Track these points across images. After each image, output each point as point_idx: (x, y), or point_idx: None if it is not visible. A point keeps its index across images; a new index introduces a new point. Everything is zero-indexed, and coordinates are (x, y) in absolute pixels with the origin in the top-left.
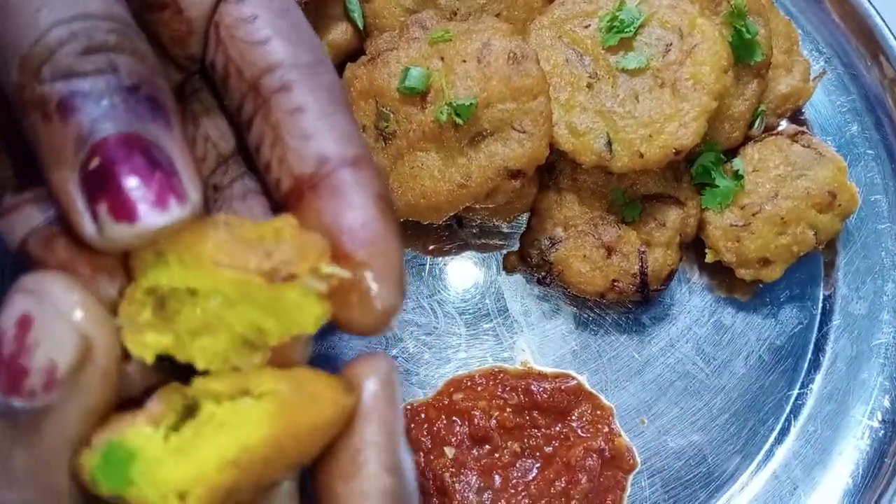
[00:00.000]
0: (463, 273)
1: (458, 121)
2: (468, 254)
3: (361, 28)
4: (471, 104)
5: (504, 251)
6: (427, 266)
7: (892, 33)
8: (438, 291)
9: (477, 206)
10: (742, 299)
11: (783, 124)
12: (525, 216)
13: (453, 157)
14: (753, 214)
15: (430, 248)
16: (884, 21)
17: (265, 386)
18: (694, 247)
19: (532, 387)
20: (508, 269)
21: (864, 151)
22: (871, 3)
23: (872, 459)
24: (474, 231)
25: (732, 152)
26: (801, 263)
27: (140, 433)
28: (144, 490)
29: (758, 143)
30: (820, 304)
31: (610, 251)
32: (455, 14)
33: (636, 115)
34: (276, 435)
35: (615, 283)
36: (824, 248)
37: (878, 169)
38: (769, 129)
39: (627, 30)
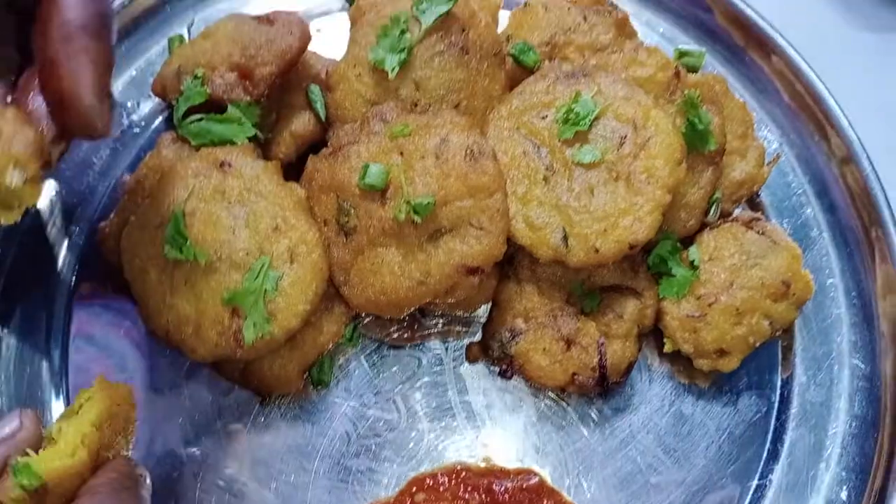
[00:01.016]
0: (426, 365)
1: (417, 219)
2: (432, 343)
3: (323, 118)
4: (428, 203)
5: (467, 339)
6: (390, 358)
7: (843, 112)
8: (401, 384)
9: (437, 301)
10: (702, 386)
11: (739, 209)
12: (487, 306)
13: (413, 252)
14: (709, 305)
15: (394, 337)
16: (835, 100)
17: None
18: (654, 333)
19: (494, 486)
20: (471, 359)
21: (818, 234)
22: (821, 82)
23: None
24: (437, 320)
25: (689, 239)
26: (759, 351)
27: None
28: None
29: (714, 231)
30: (778, 392)
31: (569, 344)
32: (416, 105)
33: (591, 210)
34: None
35: (575, 377)
36: (782, 334)
37: (832, 252)
38: (725, 215)
39: (583, 123)
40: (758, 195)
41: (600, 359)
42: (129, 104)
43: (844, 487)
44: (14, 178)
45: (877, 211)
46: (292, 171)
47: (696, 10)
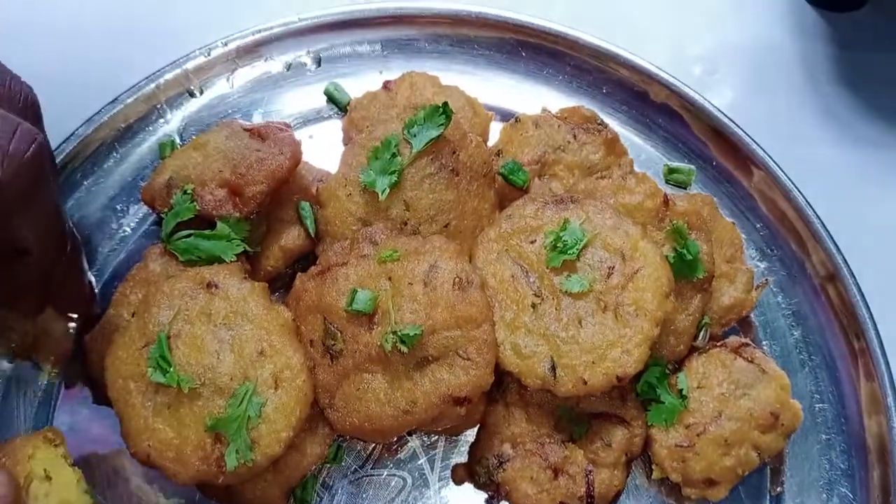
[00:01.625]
0: (410, 484)
1: (403, 348)
2: (415, 462)
3: (313, 234)
4: (416, 334)
5: (454, 457)
6: (374, 476)
7: (826, 230)
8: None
9: (423, 428)
10: None
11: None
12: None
13: (399, 380)
14: (698, 435)
15: (376, 456)
16: (816, 215)
17: None
18: (643, 456)
19: None
20: (457, 481)
21: (807, 358)
22: (802, 196)
23: None
24: (422, 436)
25: (678, 364)
26: (748, 476)
27: None
28: None
29: (702, 356)
30: None
31: (557, 472)
32: (405, 224)
33: (580, 341)
34: None
35: None
36: (771, 460)
37: (821, 376)
38: (714, 339)
39: (571, 252)
40: (746, 317)
41: (588, 488)
42: (118, 207)
43: None
44: None
45: (860, 325)
46: (280, 281)
47: (681, 129)
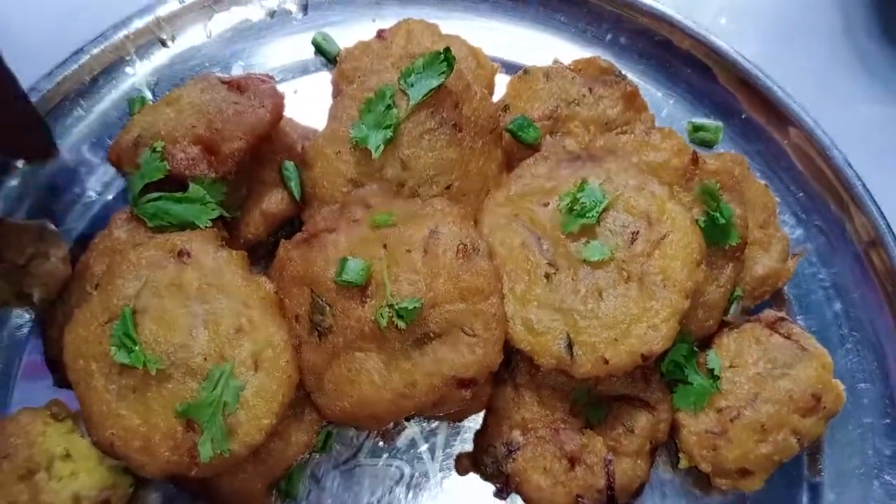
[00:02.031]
0: (408, 474)
1: (401, 324)
2: (417, 450)
3: (298, 198)
4: (414, 308)
5: (457, 444)
6: (369, 466)
7: (868, 191)
8: (382, 497)
9: (423, 412)
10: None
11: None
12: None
13: (396, 360)
14: (731, 420)
15: (370, 443)
16: (858, 177)
17: None
18: (667, 444)
19: None
20: (461, 472)
21: (847, 333)
22: (842, 156)
23: None
24: (421, 420)
25: (706, 341)
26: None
27: None
28: None
29: (734, 332)
30: None
31: (573, 462)
32: (402, 186)
33: (600, 315)
34: None
35: (579, 500)
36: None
37: (863, 353)
38: (745, 312)
39: (590, 215)
40: (781, 288)
41: (608, 480)
42: (81, 169)
43: None
44: None
45: None
46: (262, 249)
47: (707, 80)
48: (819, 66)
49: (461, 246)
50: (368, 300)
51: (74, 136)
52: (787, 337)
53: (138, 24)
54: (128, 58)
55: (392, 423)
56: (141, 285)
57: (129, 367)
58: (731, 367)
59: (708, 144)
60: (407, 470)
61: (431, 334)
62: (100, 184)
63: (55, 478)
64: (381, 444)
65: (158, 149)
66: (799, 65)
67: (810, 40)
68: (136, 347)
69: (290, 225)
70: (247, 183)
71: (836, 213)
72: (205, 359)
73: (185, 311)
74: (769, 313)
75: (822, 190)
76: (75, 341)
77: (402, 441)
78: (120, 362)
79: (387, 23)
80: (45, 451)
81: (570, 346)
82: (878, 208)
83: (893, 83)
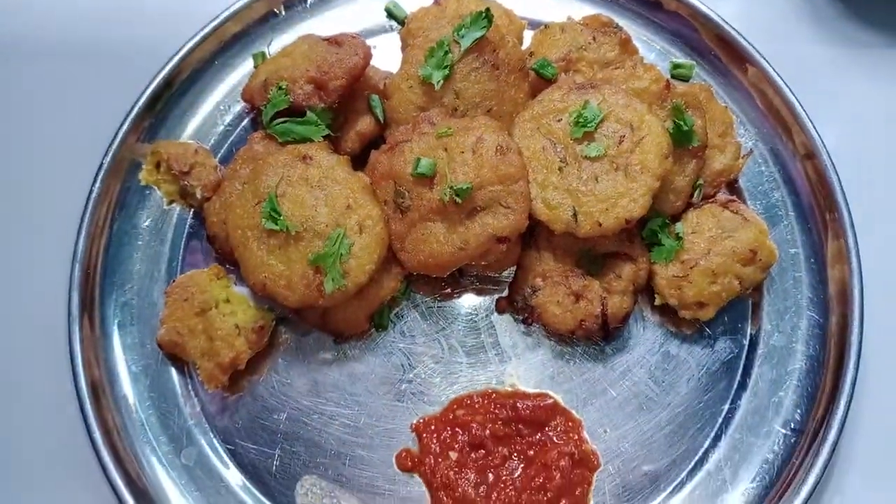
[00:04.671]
0: (464, 313)
1: (458, 200)
2: (468, 297)
3: (382, 121)
4: (467, 188)
5: (496, 295)
6: (435, 308)
7: (807, 115)
8: (444, 328)
9: (473, 264)
10: (687, 333)
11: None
12: (512, 269)
13: (455, 226)
14: (691, 268)
15: (438, 293)
16: (801, 105)
17: None
18: (647, 289)
19: (517, 404)
20: (500, 310)
21: (785, 213)
22: (789, 89)
23: (785, 459)
24: (473, 280)
25: (676, 217)
26: (734, 305)
27: None
28: None
29: (696, 210)
30: (748, 338)
31: (578, 298)
32: (456, 110)
33: (596, 193)
34: None
35: (582, 323)
36: (753, 292)
37: (796, 228)
38: (707, 198)
39: (590, 125)
40: (736, 182)
41: (602, 309)
42: (221, 108)
43: (798, 411)
44: None
45: (832, 199)
46: (357, 161)
47: (687, 31)
48: (776, 17)
49: (499, 146)
50: (435, 186)
51: (215, 86)
52: (735, 212)
53: (261, 7)
54: (249, 27)
55: (451, 276)
56: (279, 179)
57: (274, 232)
58: (692, 233)
59: (684, 78)
60: (462, 310)
61: (478, 207)
62: (233, 120)
63: (221, 314)
64: (447, 291)
65: (283, 87)
66: (760, 15)
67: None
68: (280, 218)
69: (375, 144)
70: (344, 112)
71: (781, 131)
72: (326, 226)
73: (311, 195)
74: (723, 196)
75: (771, 113)
76: (234, 218)
77: (458, 293)
78: (269, 228)
79: None
80: (213, 296)
81: (575, 215)
82: (816, 129)
83: (838, 28)
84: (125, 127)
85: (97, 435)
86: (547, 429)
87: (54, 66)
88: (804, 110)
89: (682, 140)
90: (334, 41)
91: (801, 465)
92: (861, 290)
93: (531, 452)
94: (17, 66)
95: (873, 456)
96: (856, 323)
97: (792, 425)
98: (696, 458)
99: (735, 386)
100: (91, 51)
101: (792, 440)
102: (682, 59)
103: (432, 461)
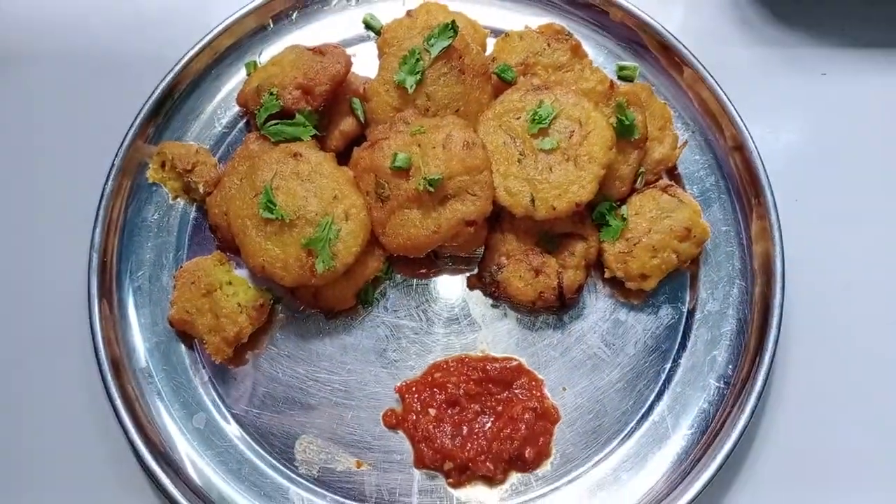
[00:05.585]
0: (440, 290)
1: (431, 189)
2: (443, 276)
3: (363, 121)
4: (439, 179)
5: (467, 273)
6: (414, 286)
7: (737, 111)
8: (423, 303)
9: (445, 245)
10: (634, 302)
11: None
12: (480, 249)
13: (428, 212)
14: (635, 244)
15: (417, 273)
16: (731, 102)
17: None
18: (598, 266)
19: (487, 367)
20: (470, 286)
21: (717, 196)
22: (720, 88)
23: (719, 408)
24: (447, 260)
25: (622, 201)
26: (675, 277)
27: None
28: None
29: (639, 194)
30: (686, 305)
31: (537, 273)
32: (427, 110)
33: (550, 181)
34: None
35: (542, 295)
36: (690, 265)
37: (727, 208)
38: (648, 184)
39: (544, 122)
40: (675, 169)
41: (559, 282)
42: (218, 112)
43: (729, 367)
44: None
45: (758, 184)
46: (342, 157)
47: (633, 37)
48: (709, 24)
49: (465, 142)
50: (411, 178)
51: (215, 93)
52: (673, 196)
53: (251, 21)
54: (241, 40)
55: (427, 257)
56: (273, 174)
57: (271, 221)
58: (635, 214)
59: (629, 79)
60: (439, 287)
61: (449, 195)
62: (229, 123)
63: (225, 294)
64: (423, 271)
65: (274, 92)
66: (695, 23)
67: (708, 6)
68: (276, 208)
69: (357, 141)
70: (329, 113)
71: (713, 125)
72: (316, 214)
73: (302, 188)
74: (662, 182)
75: (704, 109)
76: (234, 209)
77: (434, 272)
78: (265, 217)
79: (413, 4)
80: (217, 279)
81: (532, 201)
82: (744, 122)
83: (763, 32)
84: (133, 131)
85: (119, 403)
86: (513, 387)
87: (71, 77)
88: (733, 106)
89: (624, 133)
90: (318, 51)
91: (731, 413)
92: (783, 262)
93: (500, 408)
94: (40, 76)
95: (795, 403)
96: (777, 290)
97: (724, 379)
98: (643, 410)
99: (676, 347)
100: (103, 63)
101: (724, 392)
102: (627, 61)
103: (414, 418)
